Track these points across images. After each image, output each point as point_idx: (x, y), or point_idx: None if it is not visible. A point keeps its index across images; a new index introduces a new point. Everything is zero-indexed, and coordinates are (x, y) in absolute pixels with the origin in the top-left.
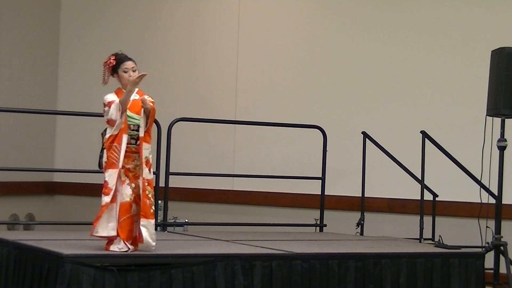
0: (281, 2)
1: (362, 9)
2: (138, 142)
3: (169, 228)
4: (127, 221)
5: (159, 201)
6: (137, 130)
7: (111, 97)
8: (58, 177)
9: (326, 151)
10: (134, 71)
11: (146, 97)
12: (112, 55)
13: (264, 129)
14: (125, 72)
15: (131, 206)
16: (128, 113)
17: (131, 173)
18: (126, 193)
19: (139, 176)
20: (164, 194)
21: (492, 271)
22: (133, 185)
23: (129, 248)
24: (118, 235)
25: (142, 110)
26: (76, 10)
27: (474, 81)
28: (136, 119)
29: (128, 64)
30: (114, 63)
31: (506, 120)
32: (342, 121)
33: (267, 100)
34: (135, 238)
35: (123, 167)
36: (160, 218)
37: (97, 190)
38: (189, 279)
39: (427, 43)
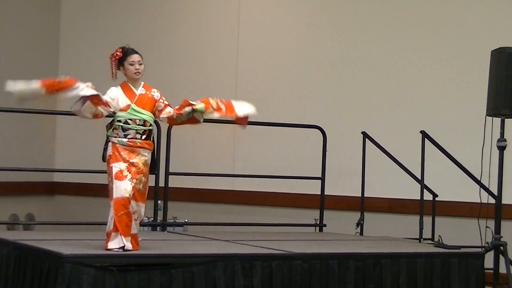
0: (281, 2)
1: (362, 9)
2: (143, 137)
3: (169, 228)
4: (124, 217)
5: (159, 201)
6: (143, 125)
7: (109, 93)
8: (58, 177)
9: (326, 151)
10: (140, 64)
11: (155, 91)
12: (119, 48)
13: (264, 129)
14: (131, 65)
15: (129, 202)
16: (134, 107)
17: (135, 167)
18: (126, 188)
19: (143, 171)
20: (164, 194)
21: (492, 271)
22: (134, 180)
23: (124, 245)
24: (116, 229)
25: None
26: (76, 10)
27: (474, 81)
28: (143, 114)
29: (134, 57)
30: (120, 56)
31: (506, 120)
32: (342, 121)
33: (267, 100)
34: (133, 237)
35: (126, 161)
36: (159, 218)
37: (97, 190)
38: (189, 279)
39: (427, 43)
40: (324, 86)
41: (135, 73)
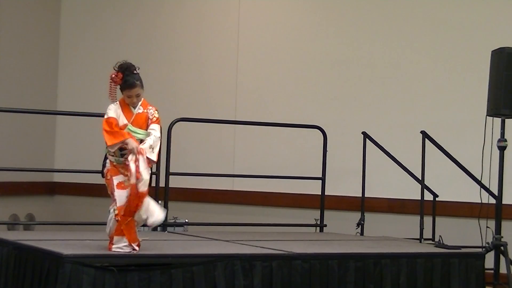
0: (281, 2)
1: (362, 9)
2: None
3: (169, 228)
4: (131, 224)
5: (159, 201)
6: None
7: (112, 111)
8: (58, 177)
9: (326, 151)
10: (138, 96)
11: (150, 108)
12: (119, 71)
13: (264, 129)
14: (129, 97)
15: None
16: (131, 127)
17: None
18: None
19: None
20: (164, 194)
21: (492, 271)
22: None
23: (134, 249)
24: (122, 234)
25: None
26: (76, 10)
27: (474, 81)
28: (139, 134)
29: (133, 92)
30: (120, 83)
31: (506, 120)
32: (342, 121)
33: (267, 100)
34: (138, 240)
35: (126, 175)
36: None
37: (97, 190)
38: (189, 279)
39: (427, 43)
40: (324, 86)
41: (129, 103)
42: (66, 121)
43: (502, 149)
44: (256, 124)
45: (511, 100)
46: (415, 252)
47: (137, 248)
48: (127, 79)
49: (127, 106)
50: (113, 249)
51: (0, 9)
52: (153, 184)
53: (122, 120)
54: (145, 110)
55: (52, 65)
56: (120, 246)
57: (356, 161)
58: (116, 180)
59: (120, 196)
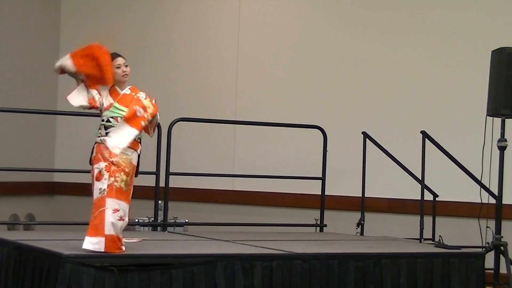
0: (281, 2)
1: (362, 9)
2: None
3: (169, 228)
4: (97, 215)
5: (159, 201)
6: None
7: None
8: (58, 177)
9: (326, 151)
10: (126, 66)
11: (141, 94)
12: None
13: (264, 129)
14: (118, 67)
15: (104, 200)
16: (116, 105)
17: (115, 166)
18: (101, 188)
19: (124, 169)
20: (164, 194)
21: (492, 271)
22: (112, 179)
23: (91, 247)
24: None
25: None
26: (76, 10)
27: (474, 81)
28: (123, 111)
29: (120, 60)
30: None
31: (506, 120)
32: (342, 121)
33: (267, 100)
34: (109, 238)
35: (106, 159)
36: (160, 218)
37: None
38: (189, 279)
39: (427, 43)
40: (324, 86)
41: (123, 75)
42: (66, 121)
43: (502, 149)
44: (256, 124)
45: (511, 100)
46: (415, 252)
47: (99, 247)
48: (111, 54)
49: (115, 89)
50: (84, 247)
51: (0, 9)
52: (153, 184)
53: (109, 100)
54: (133, 93)
55: (52, 65)
56: (86, 243)
57: (356, 161)
58: (96, 169)
59: (95, 188)
